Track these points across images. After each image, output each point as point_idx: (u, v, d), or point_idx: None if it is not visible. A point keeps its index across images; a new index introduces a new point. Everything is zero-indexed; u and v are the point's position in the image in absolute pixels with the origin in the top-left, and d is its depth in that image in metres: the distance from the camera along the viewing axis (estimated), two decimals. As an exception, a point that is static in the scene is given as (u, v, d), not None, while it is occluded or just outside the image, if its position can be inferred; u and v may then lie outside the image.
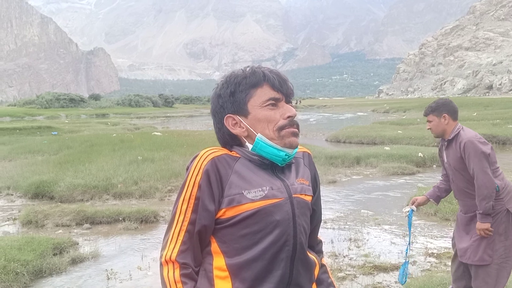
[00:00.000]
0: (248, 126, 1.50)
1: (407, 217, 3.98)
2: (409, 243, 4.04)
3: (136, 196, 8.97)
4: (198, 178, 1.43)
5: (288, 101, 1.52)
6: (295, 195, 1.48)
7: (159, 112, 72.50)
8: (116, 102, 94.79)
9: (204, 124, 38.70)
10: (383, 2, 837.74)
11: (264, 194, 1.43)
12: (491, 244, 3.60)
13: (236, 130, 1.53)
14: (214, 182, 1.43)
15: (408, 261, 4.05)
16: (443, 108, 3.64)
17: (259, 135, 1.48)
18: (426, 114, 3.72)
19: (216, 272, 1.43)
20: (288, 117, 1.48)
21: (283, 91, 1.50)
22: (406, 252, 4.08)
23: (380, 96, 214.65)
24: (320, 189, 1.69)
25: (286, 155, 1.47)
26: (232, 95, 1.51)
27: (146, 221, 7.24)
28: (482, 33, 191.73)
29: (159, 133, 21.29)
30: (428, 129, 3.74)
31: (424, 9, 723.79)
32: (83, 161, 11.60)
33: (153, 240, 6.43)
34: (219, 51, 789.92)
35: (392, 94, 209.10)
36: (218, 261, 1.44)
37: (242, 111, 1.51)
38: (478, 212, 3.51)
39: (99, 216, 7.24)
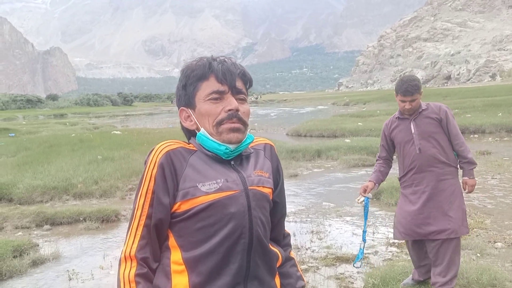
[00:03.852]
0: (196, 120, 1.49)
1: (363, 206, 4.07)
2: (365, 231, 4.13)
3: (97, 195, 8.85)
4: (154, 172, 1.42)
5: (236, 93, 1.46)
6: (251, 187, 1.46)
7: (118, 111, 71.37)
8: (74, 102, 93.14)
9: (164, 121, 38.30)
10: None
11: (218, 187, 1.41)
12: (465, 214, 3.74)
13: (186, 124, 1.52)
14: (169, 176, 1.41)
15: (364, 247, 4.15)
16: (420, 84, 3.75)
17: (202, 130, 1.47)
18: (412, 94, 3.62)
19: (173, 266, 1.42)
20: (229, 110, 1.43)
21: (228, 83, 1.44)
22: (364, 240, 4.13)
23: (340, 89, 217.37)
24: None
25: (226, 149, 1.44)
26: (184, 88, 1.50)
27: (107, 220, 7.15)
28: (440, 24, 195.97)
29: (118, 132, 20.98)
30: (409, 108, 3.68)
31: (382, 1, 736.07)
32: (42, 162, 11.36)
33: (114, 239, 6.37)
34: (178, 47, 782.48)
35: (352, 86, 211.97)
36: (175, 255, 1.43)
37: (191, 104, 1.49)
38: (469, 168, 3.72)
39: (60, 217, 7.11)
